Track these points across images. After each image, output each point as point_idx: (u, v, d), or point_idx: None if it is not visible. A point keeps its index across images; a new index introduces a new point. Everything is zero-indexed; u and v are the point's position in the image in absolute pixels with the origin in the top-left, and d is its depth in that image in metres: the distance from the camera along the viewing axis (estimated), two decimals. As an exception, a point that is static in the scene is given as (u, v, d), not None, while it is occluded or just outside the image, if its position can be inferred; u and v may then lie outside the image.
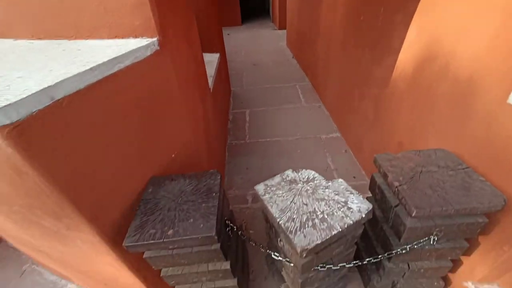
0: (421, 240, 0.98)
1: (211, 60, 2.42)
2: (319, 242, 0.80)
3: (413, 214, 0.87)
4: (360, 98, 2.12)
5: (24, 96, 0.62)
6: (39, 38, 1.12)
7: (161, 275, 1.08)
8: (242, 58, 5.03)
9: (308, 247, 0.79)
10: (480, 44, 0.98)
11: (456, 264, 1.19)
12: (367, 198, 1.16)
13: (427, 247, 1.03)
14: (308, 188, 0.99)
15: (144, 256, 0.97)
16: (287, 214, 0.89)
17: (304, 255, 0.81)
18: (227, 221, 1.10)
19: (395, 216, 1.02)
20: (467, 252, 1.11)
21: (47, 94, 0.66)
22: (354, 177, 2.17)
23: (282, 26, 6.40)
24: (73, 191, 0.79)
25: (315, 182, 1.01)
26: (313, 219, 0.87)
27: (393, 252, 1.03)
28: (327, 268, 1.02)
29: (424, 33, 1.26)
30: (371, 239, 1.27)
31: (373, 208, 0.91)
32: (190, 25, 1.41)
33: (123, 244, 0.87)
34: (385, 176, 1.03)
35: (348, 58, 2.28)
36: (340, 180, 1.01)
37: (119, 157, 0.94)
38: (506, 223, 0.94)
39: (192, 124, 1.35)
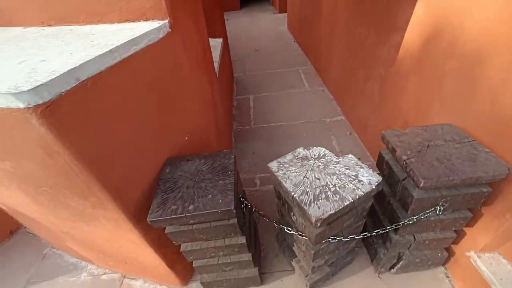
0: (428, 211, 1.03)
1: (214, 45, 2.40)
2: (332, 212, 0.85)
3: (421, 185, 0.91)
4: (365, 79, 2.13)
5: (53, 77, 0.65)
6: (49, 25, 1.13)
7: (180, 250, 1.14)
8: (243, 43, 4.97)
9: (322, 216, 0.84)
10: (487, 19, 0.99)
11: (459, 235, 1.25)
12: (375, 174, 1.20)
13: (432, 218, 1.08)
14: (320, 164, 1.03)
15: (166, 231, 1.03)
16: (300, 188, 0.94)
17: (319, 224, 0.86)
18: (241, 199, 1.15)
19: (402, 189, 1.06)
20: (470, 223, 1.16)
21: (73, 75, 0.69)
22: (359, 158, 2.19)
23: (282, 10, 6.25)
24: (99, 170, 0.83)
25: (326, 158, 1.06)
26: (325, 192, 0.92)
27: (400, 223, 1.08)
28: (338, 240, 1.08)
29: (431, 9, 1.26)
30: (378, 214, 1.32)
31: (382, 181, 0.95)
32: (197, 8, 1.41)
33: (147, 219, 0.93)
34: (393, 151, 1.07)
35: (352, 38, 2.27)
36: (350, 155, 1.05)
37: (139, 138, 0.98)
38: (509, 192, 0.98)
39: (202, 108, 1.38)
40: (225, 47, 2.90)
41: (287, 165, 1.05)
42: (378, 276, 1.44)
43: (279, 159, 1.09)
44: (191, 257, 1.20)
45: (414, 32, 1.41)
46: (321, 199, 0.89)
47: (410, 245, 1.24)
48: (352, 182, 0.94)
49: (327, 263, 1.25)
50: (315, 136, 2.54)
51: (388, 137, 1.10)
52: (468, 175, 0.90)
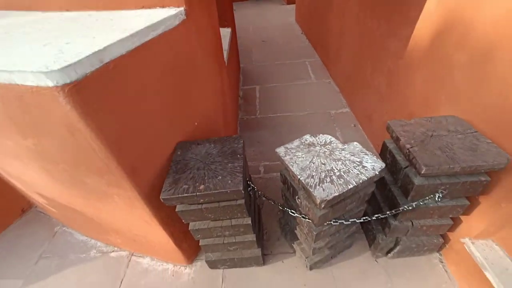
0: (427, 198, 1.08)
1: (223, 35, 2.42)
2: (336, 194, 0.90)
3: (423, 172, 0.95)
4: (372, 71, 2.14)
5: (80, 58, 0.69)
6: (67, 10, 1.17)
7: (189, 228, 1.21)
8: (250, 34, 4.95)
9: (327, 198, 0.89)
10: (500, 12, 1.00)
11: (456, 222, 1.29)
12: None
13: (431, 205, 1.13)
14: (326, 150, 1.08)
15: (177, 209, 1.09)
16: (306, 172, 0.99)
17: (323, 205, 0.91)
18: (248, 182, 1.21)
19: (404, 177, 1.11)
20: (467, 211, 1.21)
21: (97, 57, 0.73)
22: (363, 150, 2.25)
23: (290, 1, 6.19)
24: (118, 149, 0.89)
25: (332, 145, 1.10)
26: (330, 176, 0.96)
27: (400, 209, 1.13)
28: (339, 223, 1.13)
29: (444, 2, 1.26)
30: (379, 202, 1.37)
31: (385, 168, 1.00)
32: (209, -4, 1.43)
33: (160, 197, 0.99)
34: (397, 140, 1.10)
35: (363, 31, 2.26)
36: (355, 143, 1.09)
37: (155, 120, 1.02)
38: (507, 181, 1.02)
39: (212, 95, 1.42)
40: (233, 37, 2.91)
41: (294, 151, 1.10)
42: (375, 260, 1.50)
43: (287, 145, 1.13)
44: (199, 236, 1.26)
45: (425, 24, 1.41)
46: (326, 182, 0.94)
47: (408, 230, 1.29)
48: (357, 168, 0.99)
49: (327, 246, 1.31)
50: (320, 127, 2.58)
51: (393, 126, 1.14)
52: (468, 164, 0.94)
